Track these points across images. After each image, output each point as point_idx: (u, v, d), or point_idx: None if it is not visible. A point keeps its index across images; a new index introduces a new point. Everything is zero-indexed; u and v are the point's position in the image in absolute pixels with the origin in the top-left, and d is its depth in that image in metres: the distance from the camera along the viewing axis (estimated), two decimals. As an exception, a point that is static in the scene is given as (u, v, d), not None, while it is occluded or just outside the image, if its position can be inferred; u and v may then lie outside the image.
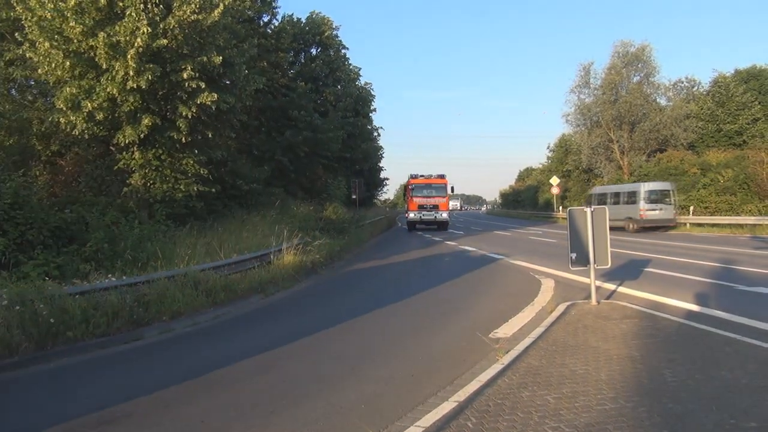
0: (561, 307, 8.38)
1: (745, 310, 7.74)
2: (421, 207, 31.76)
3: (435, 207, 31.58)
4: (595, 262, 8.37)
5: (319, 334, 8.04)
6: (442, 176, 32.18)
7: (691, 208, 28.83)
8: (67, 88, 12.64)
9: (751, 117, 36.37)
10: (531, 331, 6.99)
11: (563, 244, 10.86)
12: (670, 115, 36.03)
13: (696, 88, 40.53)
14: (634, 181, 32.21)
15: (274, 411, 4.91)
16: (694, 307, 8.23)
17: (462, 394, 4.80)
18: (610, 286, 10.23)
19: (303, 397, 5.24)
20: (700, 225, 26.89)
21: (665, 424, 3.96)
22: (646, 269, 12.49)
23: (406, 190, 33.39)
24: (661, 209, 26.93)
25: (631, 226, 27.32)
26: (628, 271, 12.09)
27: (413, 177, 32.70)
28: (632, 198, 27.92)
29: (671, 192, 27.68)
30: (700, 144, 37.16)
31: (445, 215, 31.70)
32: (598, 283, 8.97)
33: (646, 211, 26.81)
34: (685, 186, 30.85)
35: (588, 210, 8.42)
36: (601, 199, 30.00)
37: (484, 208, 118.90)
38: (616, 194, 29.66)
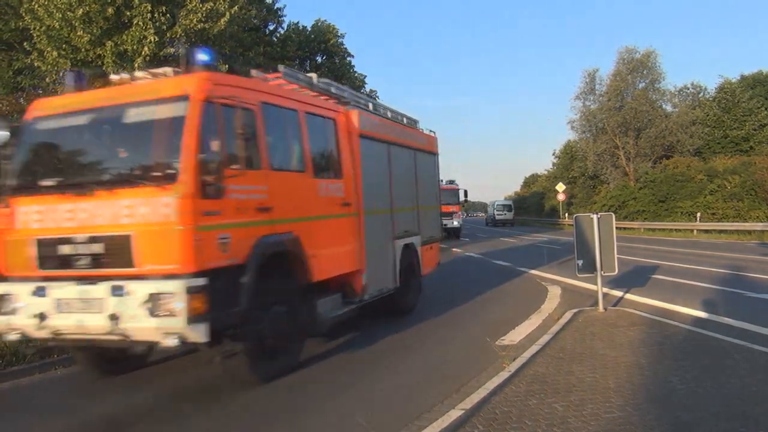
0: (568, 314, 8.31)
1: (754, 317, 7.66)
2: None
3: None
4: (601, 269, 8.31)
5: (322, 342, 8.01)
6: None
7: (698, 214, 28.69)
8: (75, 97, 12.74)
9: (758, 123, 36.25)
10: (538, 339, 6.93)
11: (569, 251, 10.81)
12: (676, 121, 35.93)
13: (702, 94, 40.50)
14: (640, 188, 35.44)
15: (276, 421, 4.89)
16: (702, 314, 8.16)
17: (468, 402, 4.76)
18: (617, 293, 10.15)
19: (306, 406, 5.22)
20: (707, 231, 26.73)
21: (674, 432, 3.92)
22: (653, 276, 12.41)
23: None
24: (505, 214, 51.66)
25: (495, 222, 51.28)
26: (635, 277, 12.00)
27: None
28: (494, 207, 54.15)
29: (511, 205, 54.04)
30: (706, 150, 37.03)
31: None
32: (605, 290, 8.90)
33: (496, 214, 52.12)
34: (692, 192, 30.72)
35: (594, 216, 8.37)
36: (492, 206, 56.30)
37: (480, 215, 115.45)
38: (492, 205, 56.10)
